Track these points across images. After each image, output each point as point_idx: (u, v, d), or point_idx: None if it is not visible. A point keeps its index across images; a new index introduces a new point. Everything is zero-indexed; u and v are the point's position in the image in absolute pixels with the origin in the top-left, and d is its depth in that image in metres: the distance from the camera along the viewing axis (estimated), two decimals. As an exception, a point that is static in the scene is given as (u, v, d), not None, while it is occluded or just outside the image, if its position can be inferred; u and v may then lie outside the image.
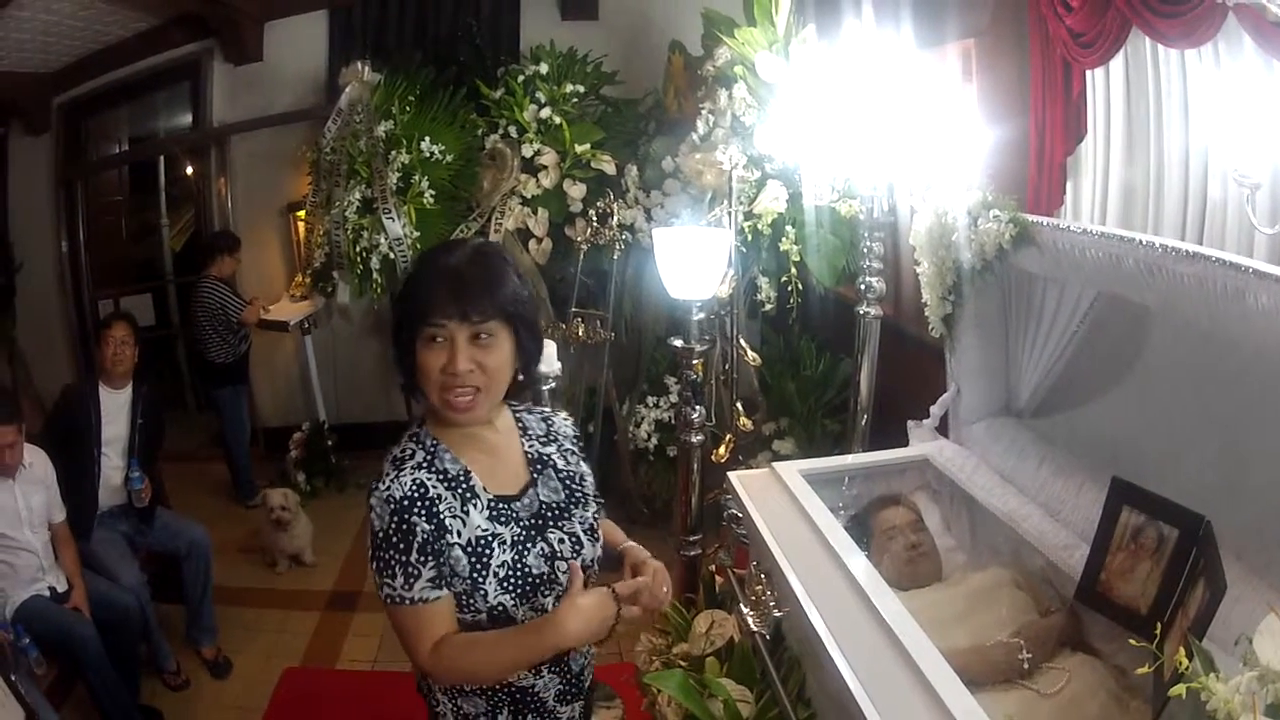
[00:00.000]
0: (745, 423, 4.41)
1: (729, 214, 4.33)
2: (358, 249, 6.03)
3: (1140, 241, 2.23)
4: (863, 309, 3.81)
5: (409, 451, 1.97)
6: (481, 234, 6.06)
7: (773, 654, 2.73)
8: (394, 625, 1.96)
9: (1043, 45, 3.39)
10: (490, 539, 1.94)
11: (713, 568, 3.67)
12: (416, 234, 6.01)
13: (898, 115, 3.56)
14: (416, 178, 6.01)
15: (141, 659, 4.50)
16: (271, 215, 7.72)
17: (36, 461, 4.20)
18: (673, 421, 5.51)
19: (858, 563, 2.53)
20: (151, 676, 4.63)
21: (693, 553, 4.01)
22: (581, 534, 2.08)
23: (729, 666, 2.89)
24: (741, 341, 4.43)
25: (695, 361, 3.87)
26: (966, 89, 3.90)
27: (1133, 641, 1.91)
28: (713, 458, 4.19)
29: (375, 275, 6.00)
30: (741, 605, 2.94)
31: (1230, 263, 1.93)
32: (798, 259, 4.58)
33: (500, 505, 2.00)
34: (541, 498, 2.07)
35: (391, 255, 5.94)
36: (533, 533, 2.02)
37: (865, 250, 3.80)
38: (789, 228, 4.56)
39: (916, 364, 4.04)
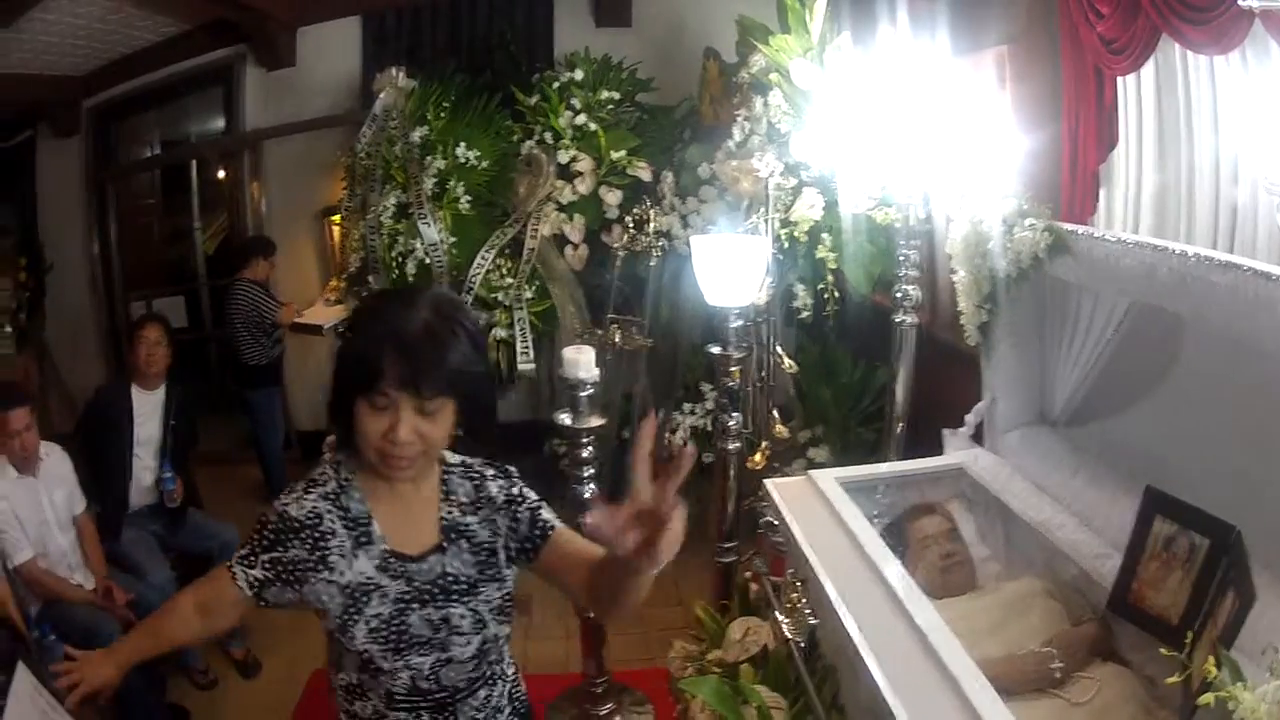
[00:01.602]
0: (781, 430, 4.42)
1: (766, 221, 4.34)
2: (393, 254, 6.09)
3: (1173, 251, 2.24)
4: (899, 317, 3.80)
5: (324, 476, 1.99)
6: (518, 240, 6.11)
7: (807, 661, 2.75)
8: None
9: (1074, 52, 3.39)
10: (371, 589, 1.93)
11: (748, 574, 3.67)
12: (453, 239, 6.07)
13: (933, 122, 3.56)
14: (452, 183, 6.07)
15: (169, 658, 4.53)
16: (306, 220, 7.80)
17: (53, 454, 4.26)
18: (709, 428, 5.53)
19: (893, 571, 2.53)
20: (180, 675, 4.69)
21: (728, 559, 4.03)
22: (485, 613, 2.01)
23: (764, 674, 2.91)
24: (778, 349, 4.44)
25: (733, 369, 3.88)
26: (1001, 96, 3.90)
27: (1163, 651, 1.92)
28: (748, 464, 4.20)
29: (411, 280, 6.05)
30: (777, 612, 2.95)
31: (1262, 272, 1.94)
32: (834, 266, 4.57)
33: (392, 559, 1.96)
34: (448, 568, 1.99)
35: (427, 260, 5.99)
36: (425, 597, 1.96)
37: (902, 258, 3.79)
38: (825, 235, 4.56)
39: (951, 372, 4.01)
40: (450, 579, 1.98)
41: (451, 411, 1.86)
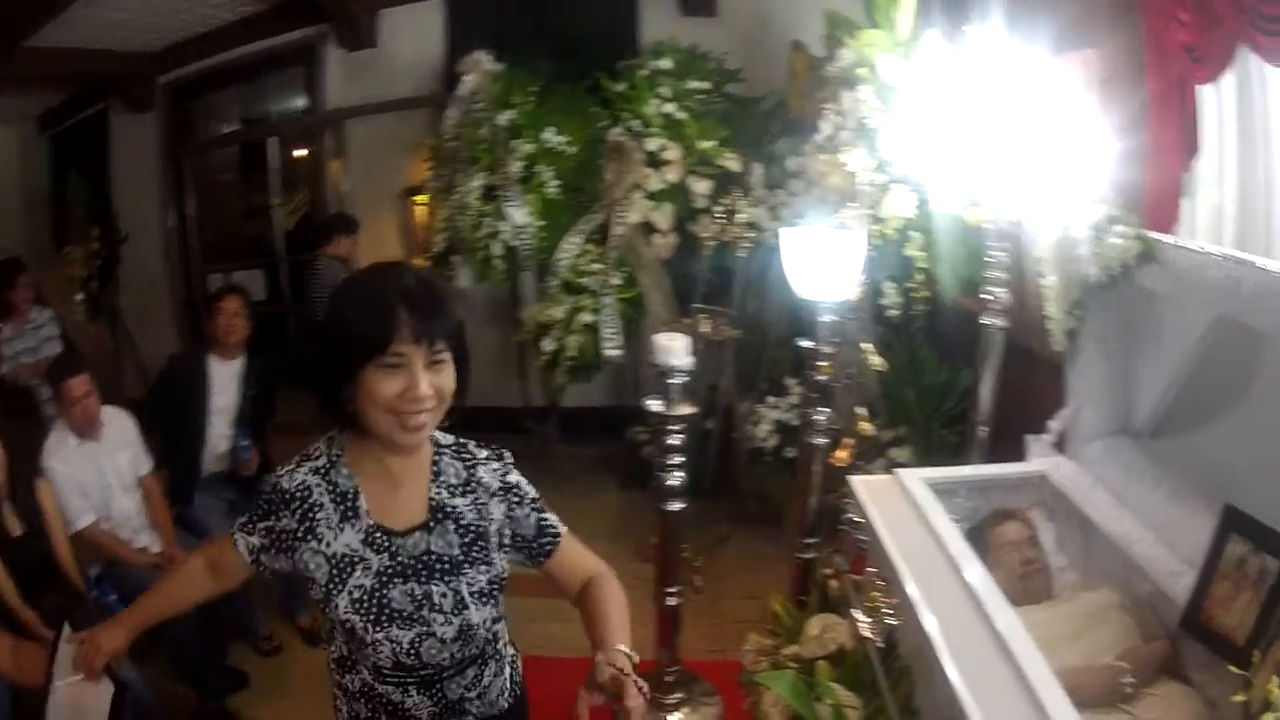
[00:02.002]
0: (866, 427, 4.43)
1: (859, 217, 4.33)
2: (478, 235, 6.18)
3: (1257, 265, 2.24)
4: (986, 319, 3.74)
5: (317, 452, 2.07)
6: (604, 226, 6.18)
7: (884, 661, 2.78)
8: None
9: (1158, 58, 3.34)
10: (355, 560, 2.00)
11: (828, 571, 3.69)
12: (541, 223, 6.15)
13: (1023, 123, 3.53)
14: (540, 167, 6.15)
15: (234, 625, 4.67)
16: (388, 199, 7.97)
17: (116, 418, 4.43)
18: (793, 423, 5.54)
19: (976, 575, 2.54)
20: (243, 642, 4.80)
21: (807, 555, 4.05)
22: (467, 595, 2.04)
23: (841, 672, 2.94)
24: (867, 346, 4.44)
25: (823, 363, 3.90)
26: (1087, 100, 3.86)
27: (1233, 669, 1.94)
28: (831, 460, 4.22)
29: (496, 262, 6.14)
30: (856, 611, 2.97)
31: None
32: (925, 265, 4.55)
33: (378, 534, 2.02)
34: (432, 546, 2.04)
35: (515, 243, 6.09)
36: (408, 572, 2.02)
37: (990, 260, 3.74)
38: (914, 234, 4.53)
39: (1034, 378, 3.97)
40: (434, 557, 2.03)
41: (452, 363, 1.92)
